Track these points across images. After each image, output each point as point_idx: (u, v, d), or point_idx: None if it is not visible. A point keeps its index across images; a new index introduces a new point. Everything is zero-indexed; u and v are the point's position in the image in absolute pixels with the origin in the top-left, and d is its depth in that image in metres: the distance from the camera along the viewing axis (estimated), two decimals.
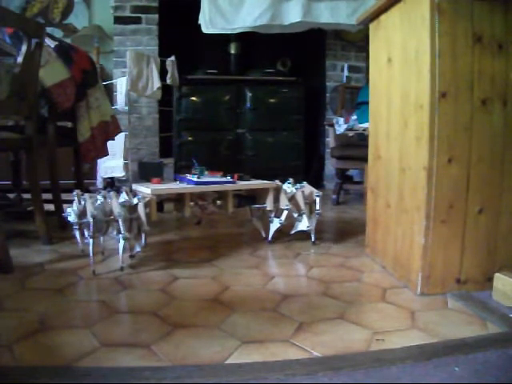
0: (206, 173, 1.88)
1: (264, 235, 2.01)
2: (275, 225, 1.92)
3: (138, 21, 3.95)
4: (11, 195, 2.72)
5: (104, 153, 2.65)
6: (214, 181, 1.83)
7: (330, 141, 3.55)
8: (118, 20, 3.93)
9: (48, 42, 2.12)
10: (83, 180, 2.69)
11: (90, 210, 1.50)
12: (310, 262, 1.70)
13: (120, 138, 3.32)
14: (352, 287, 1.40)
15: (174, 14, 3.92)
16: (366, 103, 1.83)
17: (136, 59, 3.38)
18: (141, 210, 1.54)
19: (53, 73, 2.10)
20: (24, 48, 1.69)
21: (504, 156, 1.29)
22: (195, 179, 1.79)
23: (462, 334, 1.02)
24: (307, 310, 1.20)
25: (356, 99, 3.80)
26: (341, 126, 3.34)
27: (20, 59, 1.69)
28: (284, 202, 1.87)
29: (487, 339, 1.00)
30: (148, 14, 3.96)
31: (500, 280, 1.23)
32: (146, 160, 3.97)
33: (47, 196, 2.09)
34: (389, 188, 1.55)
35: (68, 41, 3.46)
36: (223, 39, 3.96)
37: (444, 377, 0.83)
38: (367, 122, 1.81)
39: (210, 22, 3.50)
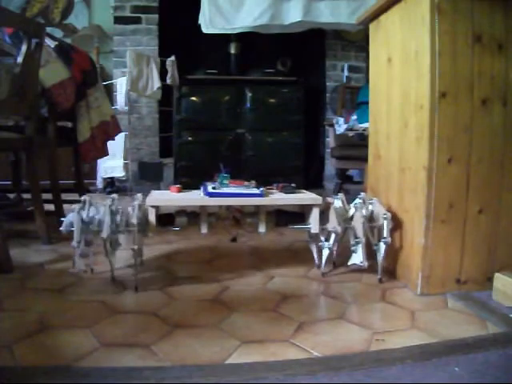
0: (227, 182, 1.51)
1: (317, 262, 1.57)
2: (325, 254, 1.49)
3: (138, 21, 3.95)
4: (11, 195, 2.72)
5: (104, 153, 2.65)
6: (232, 193, 1.43)
7: (330, 141, 3.55)
8: (118, 20, 3.93)
9: (48, 41, 2.12)
10: (83, 180, 2.69)
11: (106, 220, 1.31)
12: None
13: (120, 137, 3.32)
14: (352, 287, 1.40)
15: (174, 14, 3.92)
16: (366, 103, 1.82)
17: (136, 59, 3.39)
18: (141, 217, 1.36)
19: (53, 73, 2.10)
20: (24, 48, 1.69)
21: (504, 156, 1.29)
22: (210, 190, 1.44)
23: (462, 334, 1.02)
24: (307, 309, 1.20)
25: (356, 99, 3.80)
26: (341, 126, 3.34)
27: (20, 59, 1.69)
28: (333, 223, 1.43)
29: (487, 339, 1.00)
30: (148, 13, 3.96)
31: (500, 280, 1.23)
32: (145, 160, 3.97)
33: (47, 196, 2.09)
34: (389, 188, 1.55)
35: (68, 41, 3.47)
36: (223, 39, 3.96)
37: (444, 377, 0.83)
38: (367, 121, 1.81)
39: (210, 22, 3.50)
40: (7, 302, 1.22)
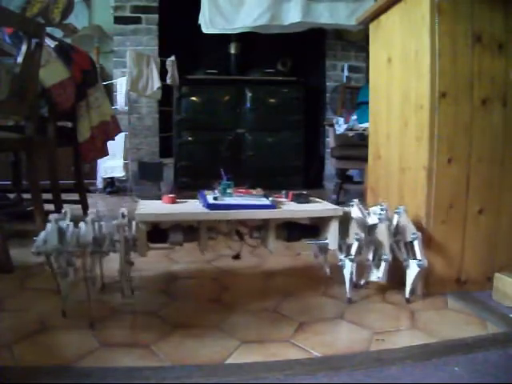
0: (231, 191, 1.28)
1: (328, 273, 1.42)
2: (348, 269, 1.22)
3: (138, 21, 3.95)
4: (11, 195, 2.71)
5: (104, 153, 2.65)
6: (238, 204, 1.18)
7: (330, 141, 3.55)
8: (118, 20, 3.93)
9: (48, 41, 2.12)
10: (83, 180, 2.69)
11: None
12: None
13: (120, 137, 3.32)
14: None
15: (174, 14, 3.92)
16: (366, 103, 1.82)
17: (136, 59, 3.39)
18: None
19: (53, 73, 2.10)
20: (24, 48, 1.69)
21: (504, 156, 1.29)
22: (211, 201, 1.19)
23: (462, 334, 1.02)
24: (307, 310, 1.20)
25: (356, 99, 3.80)
26: (341, 126, 3.34)
27: (20, 59, 1.69)
28: (353, 233, 1.22)
29: (487, 339, 1.00)
30: (148, 13, 3.96)
31: (500, 280, 1.23)
32: (145, 160, 3.97)
33: (47, 196, 2.09)
34: (389, 188, 1.55)
35: (68, 41, 3.46)
36: (223, 39, 3.96)
37: (444, 377, 0.83)
38: (367, 121, 1.81)
39: (210, 21, 3.50)
40: (7, 302, 1.22)
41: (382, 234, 1.22)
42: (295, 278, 1.51)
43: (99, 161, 3.51)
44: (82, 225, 1.13)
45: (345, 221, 1.25)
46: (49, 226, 1.08)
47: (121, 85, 3.55)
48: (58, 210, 2.23)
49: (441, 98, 1.24)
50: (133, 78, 3.37)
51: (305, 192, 1.37)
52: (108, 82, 3.67)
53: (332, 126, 3.48)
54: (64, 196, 2.33)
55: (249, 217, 1.21)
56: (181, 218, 1.19)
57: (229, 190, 1.28)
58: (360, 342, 0.99)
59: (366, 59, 4.20)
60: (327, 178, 4.42)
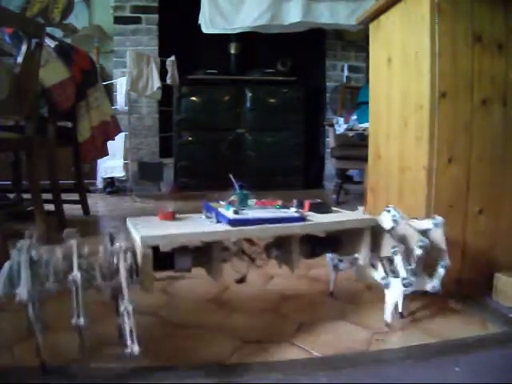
0: (252, 202, 1.09)
1: (331, 289, 1.27)
2: (395, 290, 1.05)
3: (138, 21, 3.95)
4: (11, 195, 2.72)
5: (104, 153, 2.65)
6: (266, 218, 0.99)
7: (330, 141, 3.55)
8: (118, 20, 3.93)
9: (48, 41, 2.12)
10: (83, 180, 2.69)
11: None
12: None
13: (120, 138, 3.32)
14: (352, 287, 1.40)
15: (174, 14, 3.93)
16: (366, 103, 1.82)
17: (136, 59, 3.39)
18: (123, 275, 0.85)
19: (53, 73, 2.10)
20: (24, 48, 1.69)
21: (504, 156, 1.29)
22: (231, 215, 0.97)
23: (462, 334, 1.02)
24: (307, 310, 1.20)
25: (356, 99, 3.80)
26: (341, 126, 3.34)
27: (20, 59, 1.69)
28: (389, 247, 1.06)
29: (487, 339, 1.00)
30: (148, 13, 3.96)
31: (500, 280, 1.23)
32: (145, 160, 3.97)
33: (47, 196, 2.09)
34: (389, 188, 1.55)
35: (68, 41, 3.47)
36: (223, 39, 3.96)
37: (444, 377, 0.83)
38: (367, 121, 1.81)
39: (210, 22, 3.50)
40: (7, 301, 1.22)
41: (438, 239, 1.09)
42: (295, 279, 1.51)
43: (99, 161, 3.51)
44: (58, 252, 0.86)
45: (377, 232, 1.08)
46: (15, 257, 0.82)
47: (121, 85, 3.55)
48: (58, 209, 2.23)
49: (441, 97, 1.24)
50: (133, 77, 3.37)
51: (319, 200, 1.21)
52: (108, 82, 3.67)
53: (332, 125, 3.49)
54: (64, 196, 2.32)
55: (280, 233, 1.02)
56: (202, 237, 0.94)
57: (250, 202, 1.07)
58: (360, 342, 0.99)
59: (366, 59, 4.20)
60: (327, 178, 4.42)
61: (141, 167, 3.80)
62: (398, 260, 1.03)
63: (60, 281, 0.84)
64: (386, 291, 1.06)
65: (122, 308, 0.83)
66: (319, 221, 1.05)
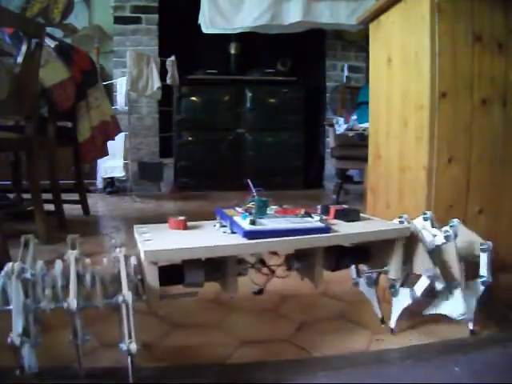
0: (271, 210, 0.97)
1: (380, 315, 1.09)
2: (402, 301, 1.01)
3: (138, 21, 3.95)
4: (11, 195, 2.72)
5: (104, 153, 2.65)
6: (286, 229, 0.88)
7: (330, 141, 3.56)
8: (118, 20, 3.94)
9: (48, 41, 2.12)
10: (83, 180, 2.69)
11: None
12: None
13: (120, 138, 3.32)
14: (352, 287, 1.39)
15: (174, 14, 3.93)
16: (366, 103, 1.82)
17: (136, 59, 3.39)
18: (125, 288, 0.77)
19: (53, 73, 2.10)
20: (24, 48, 1.69)
21: (504, 156, 1.29)
22: (248, 226, 0.86)
23: (462, 334, 1.02)
24: (307, 310, 1.20)
25: (356, 99, 3.80)
26: (341, 126, 3.34)
27: (20, 59, 1.69)
28: (425, 263, 0.97)
29: (487, 339, 1.00)
30: (148, 13, 3.96)
31: (500, 280, 1.23)
32: (145, 160, 3.97)
33: (47, 196, 2.09)
34: (389, 188, 1.55)
35: (68, 41, 3.47)
36: (223, 39, 3.96)
37: (444, 377, 0.83)
38: (367, 121, 1.81)
39: (210, 22, 3.50)
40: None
41: (450, 255, 0.98)
42: (295, 279, 1.50)
43: (99, 161, 3.51)
44: (57, 265, 0.80)
45: (409, 242, 0.99)
46: (5, 279, 0.76)
47: (121, 85, 3.55)
48: (58, 209, 2.23)
49: (441, 98, 1.24)
50: (133, 77, 3.37)
51: (346, 206, 1.11)
52: (108, 82, 3.67)
53: (332, 125, 3.49)
54: (64, 196, 2.32)
55: (302, 246, 0.92)
56: (214, 252, 0.84)
57: (269, 210, 0.96)
58: (360, 342, 0.99)
59: (366, 59, 4.20)
60: (327, 178, 4.42)
61: (141, 167, 3.80)
62: (425, 282, 0.94)
63: (58, 299, 0.78)
64: (394, 298, 1.01)
65: (120, 299, 0.76)
66: (346, 231, 0.93)
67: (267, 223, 0.89)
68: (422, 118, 1.28)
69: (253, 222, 0.87)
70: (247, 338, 1.01)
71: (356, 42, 4.28)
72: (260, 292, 1.14)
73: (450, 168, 1.26)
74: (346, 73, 4.41)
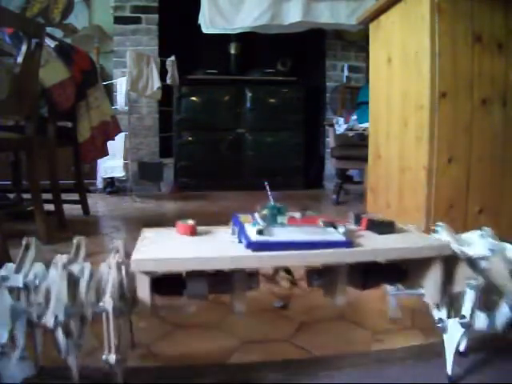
0: (284, 219, 0.85)
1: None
2: (455, 336, 0.82)
3: (138, 21, 3.95)
4: (11, 195, 2.72)
5: (104, 153, 2.65)
6: (299, 241, 0.78)
7: (330, 141, 3.56)
8: (118, 20, 3.93)
9: (48, 41, 2.12)
10: (83, 180, 2.69)
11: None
12: None
13: (120, 138, 3.32)
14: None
15: (174, 14, 3.93)
16: (366, 103, 1.82)
17: (136, 59, 3.39)
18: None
19: (53, 73, 2.10)
20: (24, 48, 1.69)
21: (504, 156, 1.29)
22: (254, 235, 0.78)
23: None
24: (307, 310, 1.20)
25: (356, 99, 3.80)
26: (341, 125, 3.34)
27: (20, 59, 1.69)
28: (464, 280, 0.80)
29: (487, 339, 1.00)
30: (148, 13, 3.96)
31: None
32: (145, 160, 3.97)
33: (47, 196, 2.09)
34: (389, 188, 1.55)
35: (68, 41, 3.47)
36: (223, 39, 3.96)
37: (444, 377, 0.83)
38: (367, 121, 1.81)
39: (210, 22, 3.50)
40: None
41: (498, 271, 0.82)
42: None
43: (99, 161, 3.51)
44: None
45: (450, 260, 0.83)
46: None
47: (121, 85, 3.55)
48: (58, 209, 2.23)
49: (441, 98, 1.24)
50: (133, 77, 3.37)
51: (381, 215, 0.98)
52: (108, 82, 3.67)
53: (332, 125, 3.49)
54: (64, 196, 2.32)
55: (317, 261, 0.81)
56: (208, 265, 0.76)
57: (280, 219, 0.85)
58: (360, 342, 0.99)
59: (366, 59, 4.20)
60: (327, 178, 4.42)
61: (141, 167, 3.80)
62: (470, 296, 0.78)
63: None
64: (444, 336, 0.84)
65: (100, 306, 0.70)
66: (375, 246, 0.81)
67: (278, 234, 0.79)
68: (422, 118, 1.28)
69: (260, 232, 0.78)
70: (247, 338, 1.01)
71: (356, 42, 4.28)
72: (284, 307, 1.06)
73: (450, 168, 1.26)
74: (346, 73, 4.41)
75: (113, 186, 3.87)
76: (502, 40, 1.26)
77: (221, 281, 0.81)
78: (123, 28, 3.94)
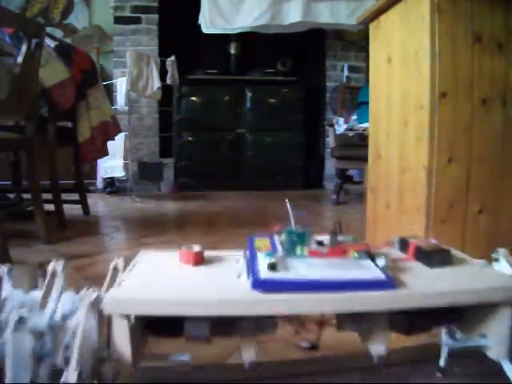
0: (303, 250, 0.67)
1: None
2: None
3: (138, 21, 3.95)
4: (11, 195, 2.72)
5: (104, 153, 2.65)
6: (323, 281, 0.60)
7: (330, 141, 3.56)
8: (118, 20, 3.93)
9: (48, 41, 2.13)
10: (83, 180, 2.69)
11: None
12: None
13: (120, 138, 3.32)
14: None
15: (174, 14, 3.93)
16: (366, 103, 1.82)
17: (136, 59, 3.39)
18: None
19: (53, 73, 2.10)
20: (24, 48, 1.69)
21: (504, 156, 1.29)
22: (264, 271, 0.62)
23: None
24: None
25: (356, 99, 3.80)
26: (341, 125, 3.34)
27: (20, 59, 1.69)
28: None
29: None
30: (148, 13, 3.96)
31: None
32: (145, 160, 3.97)
33: (47, 196, 2.09)
34: (389, 188, 1.55)
35: (68, 41, 3.47)
36: (223, 39, 3.96)
37: (443, 377, 0.83)
38: (367, 121, 1.81)
39: (210, 22, 3.50)
40: None
41: None
42: None
43: (99, 161, 3.51)
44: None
45: None
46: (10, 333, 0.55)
47: (121, 85, 3.55)
48: (58, 209, 2.23)
49: (441, 98, 1.24)
50: (133, 77, 3.37)
51: (433, 240, 0.78)
52: (108, 82, 3.67)
53: (332, 125, 3.49)
54: (64, 196, 2.33)
55: (345, 309, 0.63)
56: (202, 311, 0.62)
57: (299, 249, 0.67)
58: (360, 342, 0.99)
59: (366, 59, 4.20)
60: (327, 178, 4.42)
61: (141, 167, 3.80)
62: None
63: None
64: None
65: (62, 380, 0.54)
66: (425, 287, 0.63)
67: (296, 269, 0.62)
68: (422, 118, 1.28)
69: (273, 267, 0.61)
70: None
71: (356, 42, 4.28)
72: (313, 348, 0.92)
73: (450, 168, 1.26)
74: (346, 73, 4.41)
75: (113, 186, 3.87)
76: (502, 40, 1.26)
77: (226, 322, 0.67)
78: (123, 28, 3.94)
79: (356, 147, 3.01)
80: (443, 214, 1.28)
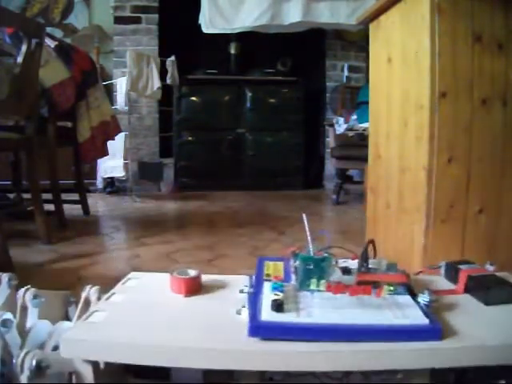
0: (320, 283, 0.51)
1: None
2: None
3: (138, 21, 3.95)
4: (11, 195, 2.72)
5: (104, 153, 2.65)
6: (344, 327, 0.46)
7: (330, 141, 3.56)
8: (118, 20, 3.93)
9: (48, 41, 2.12)
10: (83, 180, 2.69)
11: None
12: None
13: (120, 137, 3.32)
14: None
15: (174, 14, 3.93)
16: (366, 103, 1.82)
17: (136, 59, 3.39)
18: None
19: (53, 73, 2.10)
20: (24, 48, 1.69)
21: (504, 156, 1.29)
22: (266, 312, 0.48)
23: None
24: None
25: (356, 99, 3.80)
26: (341, 126, 3.34)
27: (20, 59, 1.69)
28: None
29: None
30: (148, 13, 3.96)
31: None
32: (145, 160, 3.98)
33: (47, 196, 2.09)
34: (389, 188, 1.55)
35: (68, 41, 3.47)
36: (223, 39, 3.96)
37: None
38: (367, 121, 1.81)
39: (210, 22, 3.50)
40: None
41: None
42: None
43: (99, 161, 3.51)
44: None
45: None
46: None
47: (121, 85, 3.55)
48: (58, 209, 2.23)
49: (441, 98, 1.24)
50: (133, 78, 3.37)
51: (491, 267, 0.68)
52: (108, 82, 3.67)
53: (332, 125, 3.49)
54: (64, 196, 2.33)
55: (373, 366, 0.49)
56: (181, 363, 0.52)
57: (314, 284, 0.53)
58: None
59: (366, 59, 4.20)
60: (327, 178, 4.42)
61: (141, 167, 3.80)
62: None
63: None
64: None
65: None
66: (480, 339, 0.48)
67: (308, 309, 0.48)
68: (422, 118, 1.28)
69: (278, 307, 0.47)
70: None
71: (356, 42, 4.28)
72: None
73: (450, 168, 1.26)
74: (345, 73, 4.41)
75: (113, 186, 3.87)
76: (502, 40, 1.26)
77: (225, 373, 0.55)
78: (123, 28, 3.94)
79: (356, 147, 3.01)
80: (443, 214, 1.28)
